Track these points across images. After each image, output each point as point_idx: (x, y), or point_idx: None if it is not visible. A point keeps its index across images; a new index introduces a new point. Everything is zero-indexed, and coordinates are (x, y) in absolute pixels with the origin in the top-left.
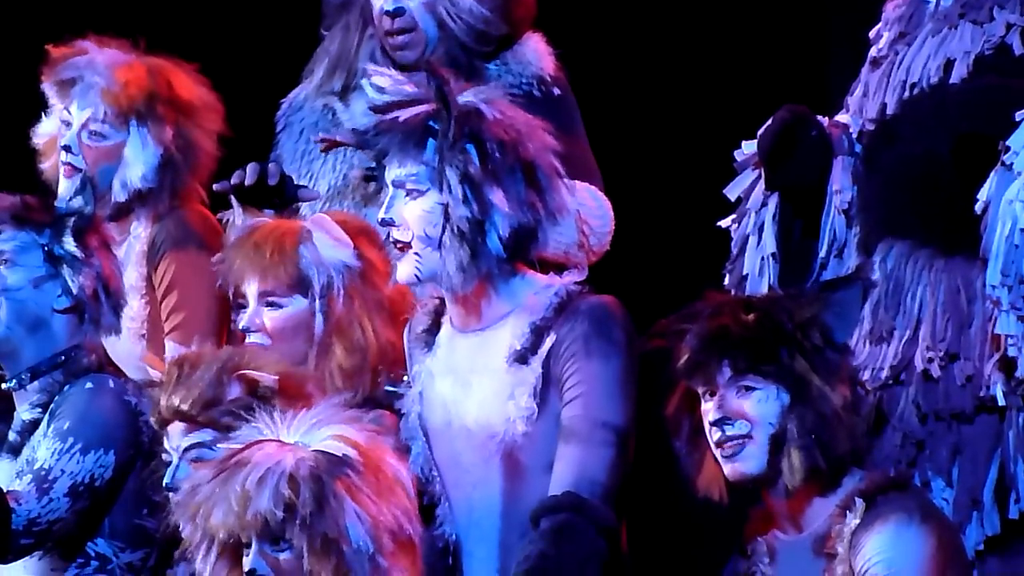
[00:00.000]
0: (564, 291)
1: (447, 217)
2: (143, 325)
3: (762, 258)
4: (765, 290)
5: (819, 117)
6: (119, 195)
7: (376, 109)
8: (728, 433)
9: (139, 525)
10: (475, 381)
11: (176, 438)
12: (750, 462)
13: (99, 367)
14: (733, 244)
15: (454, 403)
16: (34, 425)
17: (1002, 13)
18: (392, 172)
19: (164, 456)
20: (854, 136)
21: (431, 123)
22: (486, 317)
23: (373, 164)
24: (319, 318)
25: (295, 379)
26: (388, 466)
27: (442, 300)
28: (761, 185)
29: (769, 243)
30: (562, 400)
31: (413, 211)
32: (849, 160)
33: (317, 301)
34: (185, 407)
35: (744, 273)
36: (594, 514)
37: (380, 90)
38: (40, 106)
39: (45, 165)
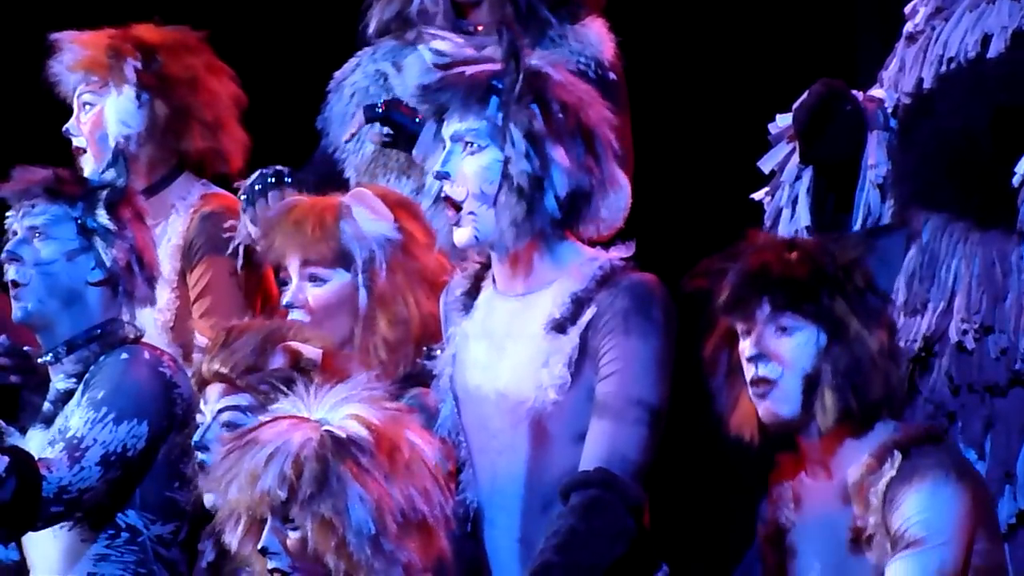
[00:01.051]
0: (609, 264)
1: (505, 174)
2: (171, 317)
3: (796, 231)
4: None
5: (854, 92)
6: (131, 147)
7: (441, 67)
8: (761, 373)
9: (170, 498)
10: (510, 346)
11: (213, 399)
12: (782, 404)
13: (135, 339)
14: (766, 217)
15: (487, 367)
16: (68, 395)
17: None
18: (452, 126)
19: (199, 418)
20: (889, 111)
21: (495, 82)
22: (530, 282)
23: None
24: (363, 292)
25: (339, 357)
26: (407, 446)
27: (484, 264)
28: (795, 159)
29: (804, 216)
30: (597, 375)
31: (471, 166)
32: (884, 135)
33: (360, 275)
34: (225, 370)
35: None
36: (624, 491)
37: (441, 54)
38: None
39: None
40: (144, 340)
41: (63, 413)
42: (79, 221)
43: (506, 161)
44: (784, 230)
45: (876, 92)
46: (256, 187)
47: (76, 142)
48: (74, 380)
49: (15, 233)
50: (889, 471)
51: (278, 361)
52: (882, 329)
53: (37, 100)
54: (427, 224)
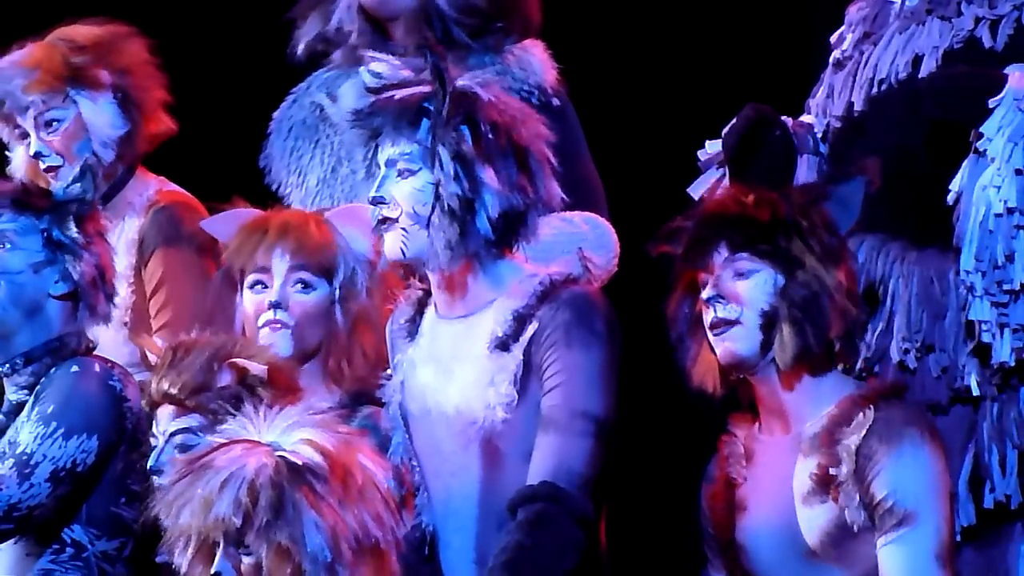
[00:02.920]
0: (548, 279)
1: (437, 196)
2: (127, 313)
3: None
4: None
5: (784, 118)
6: (106, 156)
7: (373, 91)
8: (719, 314)
9: (116, 513)
10: (457, 368)
11: (164, 422)
12: (741, 343)
13: (86, 351)
14: None
15: (435, 391)
16: (20, 407)
17: (970, 7)
18: (385, 152)
19: (152, 441)
20: (819, 135)
21: (426, 104)
22: (470, 303)
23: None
24: (338, 308)
25: (285, 372)
26: (359, 470)
27: (426, 291)
28: (725, 183)
29: None
30: (542, 389)
31: (403, 189)
32: (814, 159)
33: (338, 291)
34: (174, 391)
35: None
36: (571, 504)
37: (377, 75)
38: None
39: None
40: (97, 350)
41: (13, 425)
42: (45, 233)
43: (437, 184)
44: None
45: (805, 119)
46: None
47: (48, 162)
48: (26, 392)
49: None
50: (861, 424)
51: (225, 378)
52: (840, 269)
53: None
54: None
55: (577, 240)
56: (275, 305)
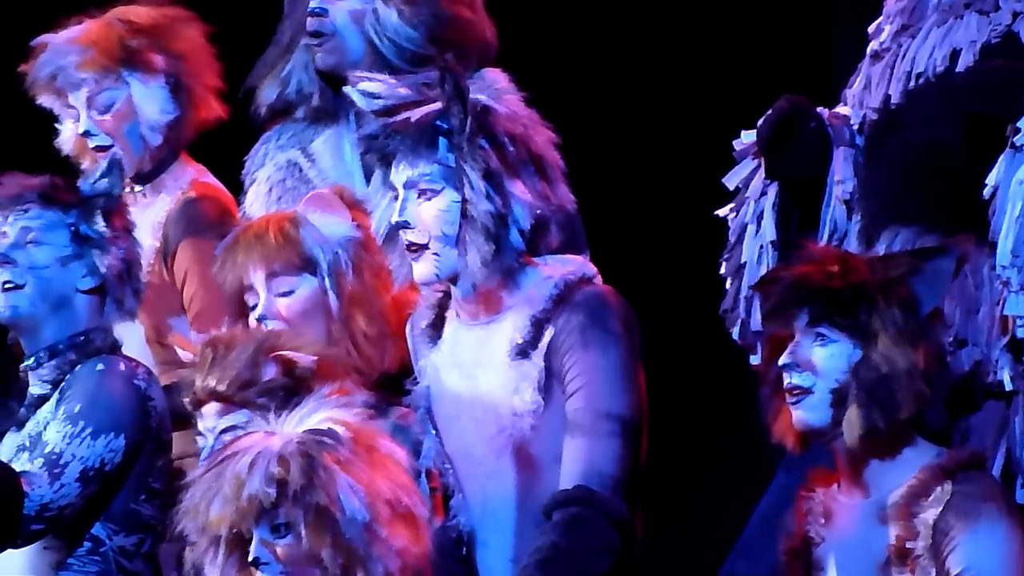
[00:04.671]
0: (563, 282)
1: (466, 215)
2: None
3: (761, 246)
4: None
5: (820, 109)
6: (153, 139)
7: (381, 113)
8: (793, 380)
9: (135, 510)
10: (480, 374)
11: (211, 419)
12: (812, 413)
13: (111, 349)
14: (731, 233)
15: (461, 396)
16: (42, 400)
17: (1008, 2)
18: (403, 173)
19: (199, 440)
20: (855, 127)
21: (439, 123)
22: (492, 310)
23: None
24: (332, 295)
25: (331, 361)
26: (382, 445)
27: (445, 293)
28: (760, 174)
29: (769, 231)
30: (564, 393)
31: (429, 211)
32: (850, 151)
33: (327, 279)
34: (222, 388)
35: (742, 261)
36: (606, 507)
37: (374, 96)
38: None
39: (85, 166)
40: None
41: (34, 418)
42: (73, 228)
43: (466, 203)
44: (749, 246)
45: (841, 110)
46: None
47: (97, 141)
48: (49, 387)
49: (3, 235)
50: (940, 499)
51: (270, 372)
52: (917, 350)
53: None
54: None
55: None
56: (261, 319)
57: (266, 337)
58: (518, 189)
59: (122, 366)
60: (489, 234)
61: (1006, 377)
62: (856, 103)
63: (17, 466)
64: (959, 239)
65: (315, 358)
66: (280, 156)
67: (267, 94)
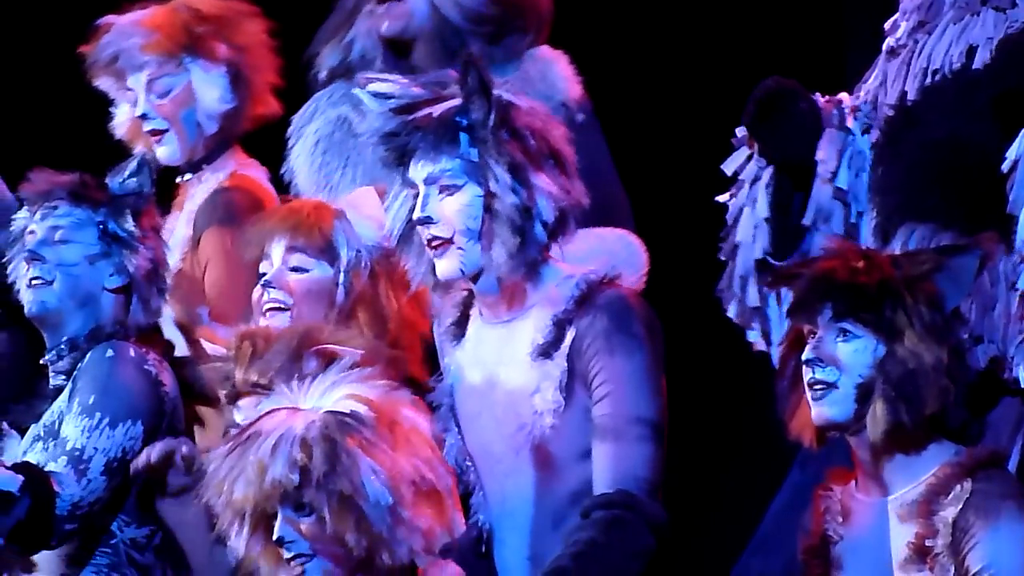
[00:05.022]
0: (584, 283)
1: (489, 209)
2: (175, 280)
3: (755, 225)
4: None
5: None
6: (209, 127)
7: (401, 111)
8: (817, 376)
9: (147, 501)
10: (502, 373)
11: (250, 411)
12: (835, 408)
13: (124, 335)
14: (728, 216)
15: (483, 394)
16: (58, 391)
17: None
18: (424, 169)
19: (233, 431)
20: (849, 115)
21: (458, 118)
22: (514, 308)
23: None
24: (341, 290)
25: (375, 355)
26: (404, 419)
27: (470, 292)
28: (756, 159)
29: (762, 209)
30: (591, 398)
31: (452, 206)
32: (840, 134)
33: (342, 274)
34: (264, 381)
35: (737, 240)
36: (645, 510)
37: (386, 96)
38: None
39: (136, 150)
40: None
41: (51, 409)
42: (101, 226)
43: (490, 196)
44: (745, 226)
45: (841, 96)
46: None
47: (153, 125)
48: (64, 377)
49: (32, 233)
50: (959, 496)
51: (311, 366)
52: (942, 346)
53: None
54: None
55: (608, 257)
56: (267, 284)
57: (308, 330)
58: (542, 182)
59: (132, 352)
60: (515, 227)
61: (1022, 374)
62: (871, 98)
63: (32, 456)
64: (983, 237)
65: (360, 352)
66: (331, 112)
67: (329, 59)
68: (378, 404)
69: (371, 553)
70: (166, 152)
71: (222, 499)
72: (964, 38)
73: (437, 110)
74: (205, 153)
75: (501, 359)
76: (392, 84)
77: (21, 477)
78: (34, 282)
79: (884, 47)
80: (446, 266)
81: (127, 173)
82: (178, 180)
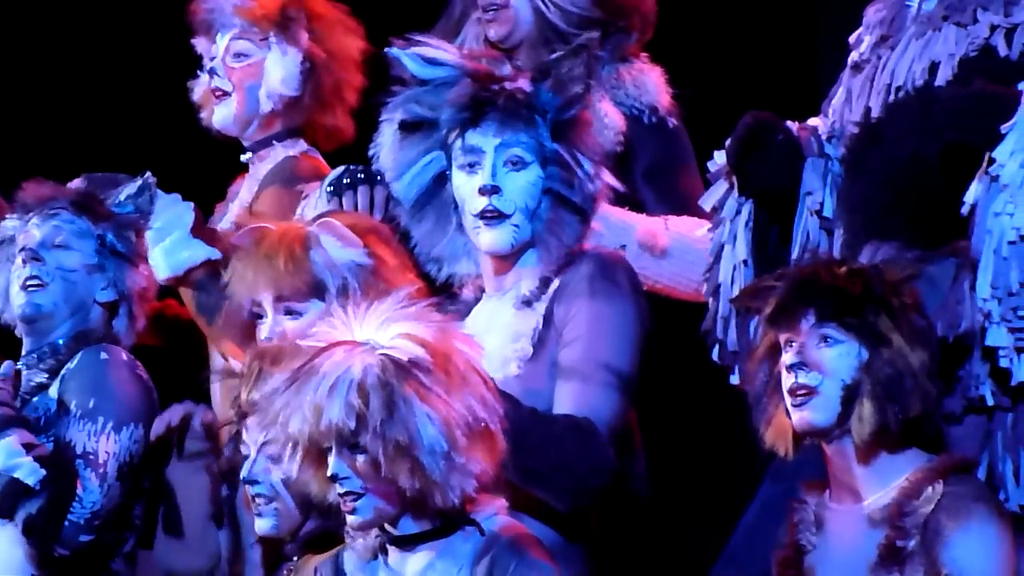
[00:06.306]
0: (576, 248)
1: (552, 192)
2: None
3: (734, 266)
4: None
5: (788, 123)
6: (265, 106)
7: (475, 76)
8: (800, 380)
9: (125, 507)
10: (488, 338)
11: (255, 432)
12: (817, 413)
13: (114, 339)
14: (708, 252)
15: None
16: (39, 388)
17: (985, 15)
18: (496, 138)
19: (243, 450)
20: (825, 137)
21: (543, 96)
22: (510, 279)
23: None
24: None
25: None
26: (458, 356)
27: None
28: (735, 194)
29: (742, 250)
30: (560, 342)
31: (518, 182)
32: (819, 162)
33: (334, 303)
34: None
35: (719, 281)
36: (604, 440)
37: (430, 61)
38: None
39: (203, 115)
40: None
41: (32, 404)
42: (100, 240)
43: (560, 182)
44: (725, 265)
45: (815, 121)
46: (344, 180)
47: (218, 83)
48: (46, 375)
49: (32, 235)
50: (930, 498)
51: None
52: (925, 350)
53: None
54: (397, 247)
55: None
56: (267, 337)
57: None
58: (605, 175)
59: (124, 355)
60: (584, 216)
61: (988, 392)
62: (837, 115)
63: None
64: (955, 247)
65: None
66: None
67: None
68: (434, 345)
69: (423, 496)
70: (221, 114)
71: (276, 428)
72: (926, 54)
73: (512, 85)
74: (263, 136)
75: (489, 326)
76: (434, 48)
77: (44, 472)
78: (29, 283)
79: (848, 62)
80: (496, 238)
81: (125, 194)
82: (243, 159)
